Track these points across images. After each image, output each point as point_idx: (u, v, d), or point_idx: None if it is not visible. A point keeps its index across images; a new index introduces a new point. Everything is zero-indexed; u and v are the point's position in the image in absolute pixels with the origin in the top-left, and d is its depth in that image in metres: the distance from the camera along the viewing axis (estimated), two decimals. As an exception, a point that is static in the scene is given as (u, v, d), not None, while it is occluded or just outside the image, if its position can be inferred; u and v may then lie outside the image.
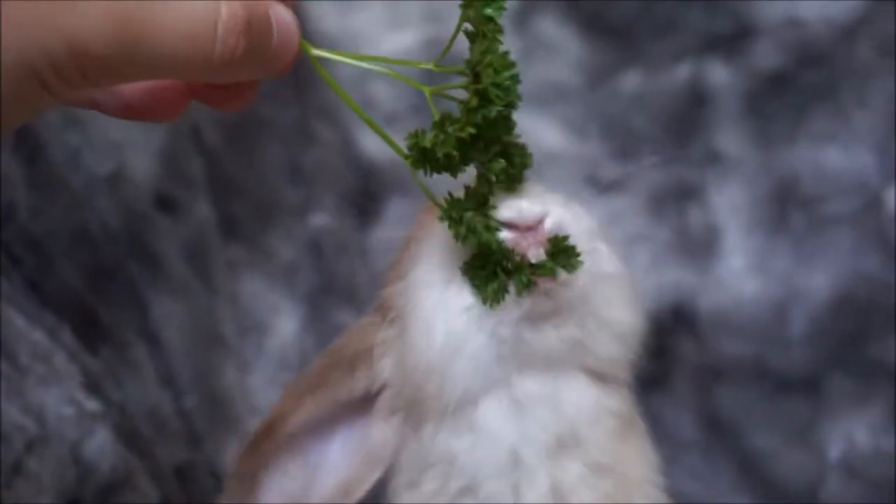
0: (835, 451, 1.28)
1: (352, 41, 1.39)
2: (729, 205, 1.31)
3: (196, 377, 1.20)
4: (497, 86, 0.64)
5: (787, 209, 1.31)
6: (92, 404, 1.05)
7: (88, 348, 1.08)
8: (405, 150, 0.66)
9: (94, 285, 1.12)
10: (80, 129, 1.16)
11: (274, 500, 0.79)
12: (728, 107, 1.37)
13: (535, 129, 1.37)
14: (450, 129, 0.65)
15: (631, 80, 1.40)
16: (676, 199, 1.32)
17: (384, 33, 1.42)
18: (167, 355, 1.17)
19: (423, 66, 0.69)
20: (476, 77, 0.65)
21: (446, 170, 0.66)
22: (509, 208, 0.70)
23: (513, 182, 0.70)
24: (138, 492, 1.10)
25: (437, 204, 0.69)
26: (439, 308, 0.71)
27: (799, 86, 1.36)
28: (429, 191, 0.68)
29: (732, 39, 1.37)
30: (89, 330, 1.09)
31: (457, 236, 0.68)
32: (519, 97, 0.65)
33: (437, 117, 0.66)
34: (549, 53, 1.43)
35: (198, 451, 1.19)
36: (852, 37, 1.35)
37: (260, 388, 1.21)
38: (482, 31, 0.65)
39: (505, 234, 0.69)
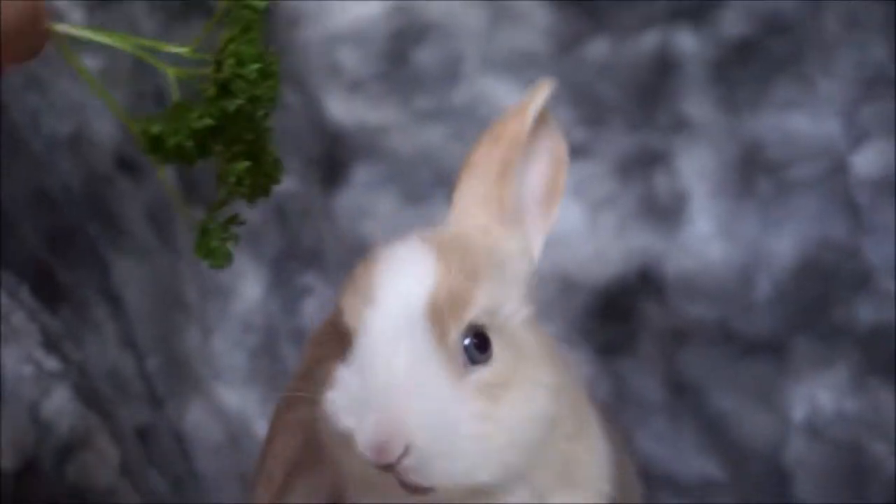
0: (798, 413, 1.28)
1: (318, 7, 1.38)
2: (695, 170, 1.31)
3: (158, 339, 1.19)
4: (240, 77, 0.61)
5: (753, 174, 1.31)
6: (51, 363, 1.04)
7: (48, 308, 1.07)
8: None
9: (55, 246, 1.12)
10: (41, 90, 1.15)
11: None
12: (695, 74, 1.36)
13: (503, 96, 1.37)
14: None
15: (598, 48, 1.40)
16: (643, 164, 1.32)
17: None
18: (128, 317, 1.16)
19: (176, 49, 0.67)
20: (219, 66, 0.62)
21: (181, 161, 0.64)
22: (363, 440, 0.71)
23: (256, 193, 0.68)
24: (98, 452, 1.10)
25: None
26: None
27: (765, 54, 1.36)
28: (170, 187, 0.69)
29: (700, 8, 1.37)
30: (49, 289, 1.08)
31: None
32: (273, 98, 0.63)
33: (175, 100, 0.64)
34: (517, 21, 1.42)
35: (159, 412, 1.19)
36: (818, 7, 1.35)
37: (223, 352, 1.20)
38: (240, 17, 0.62)
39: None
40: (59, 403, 1.03)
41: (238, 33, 0.61)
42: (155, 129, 0.62)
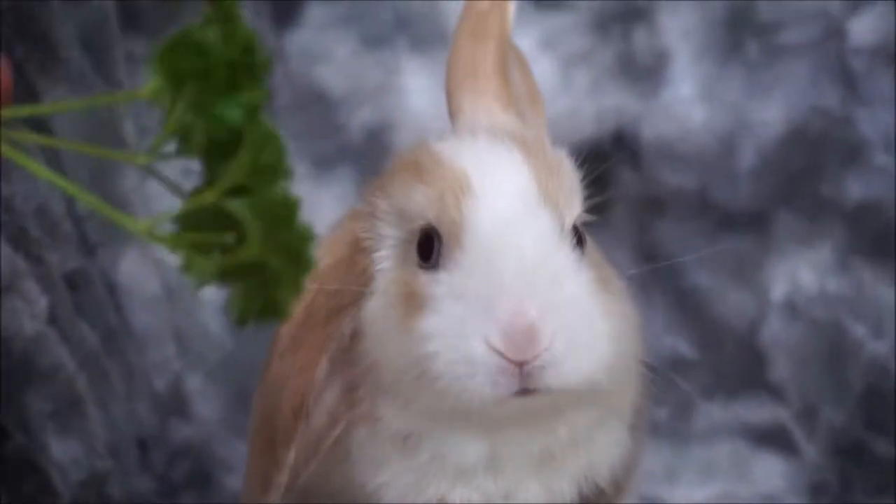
0: (778, 290, 1.20)
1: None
2: (679, 28, 1.22)
3: (91, 178, 1.10)
4: None
5: (741, 36, 1.22)
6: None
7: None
8: None
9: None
10: None
11: None
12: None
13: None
14: None
15: None
16: (623, 19, 1.22)
17: None
18: (60, 151, 1.06)
19: None
20: None
21: None
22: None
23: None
24: (24, 297, 1.01)
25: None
26: None
27: None
28: None
29: None
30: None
31: None
32: None
33: None
34: None
35: (91, 259, 1.09)
36: None
37: (161, 195, 1.10)
38: None
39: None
40: (-15, 244, 0.94)
41: None
42: None
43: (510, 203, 0.67)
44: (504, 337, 0.63)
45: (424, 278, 0.67)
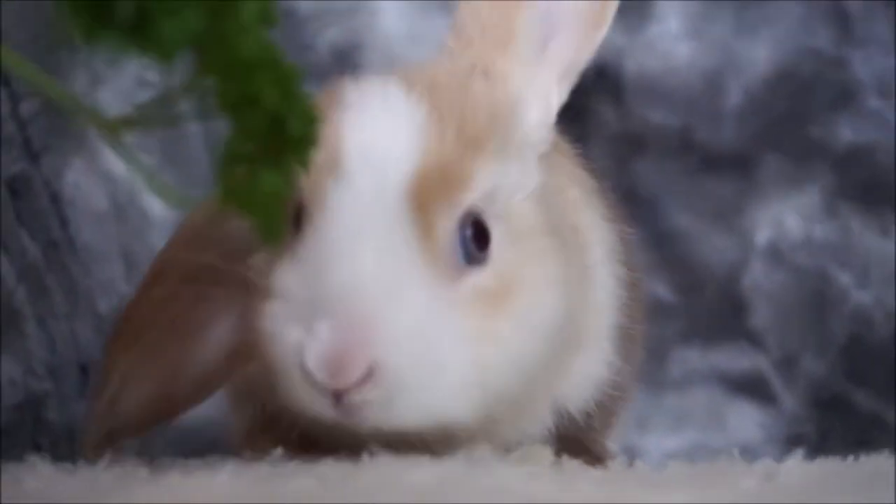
0: (761, 235, 1.14)
1: None
2: (668, -38, 1.16)
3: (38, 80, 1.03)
4: None
5: (731, -29, 1.16)
6: None
7: None
8: None
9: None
10: None
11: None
12: None
13: None
14: None
15: None
16: (609, -52, 1.16)
17: None
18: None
19: None
20: None
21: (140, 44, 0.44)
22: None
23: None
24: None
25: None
26: None
27: None
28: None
29: None
30: None
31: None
32: None
33: None
34: None
35: (34, 166, 1.03)
36: None
37: (112, 104, 1.04)
38: None
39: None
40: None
41: None
42: None
43: (365, 195, 0.57)
44: (316, 359, 0.55)
45: (284, 259, 0.59)
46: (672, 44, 1.16)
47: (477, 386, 0.57)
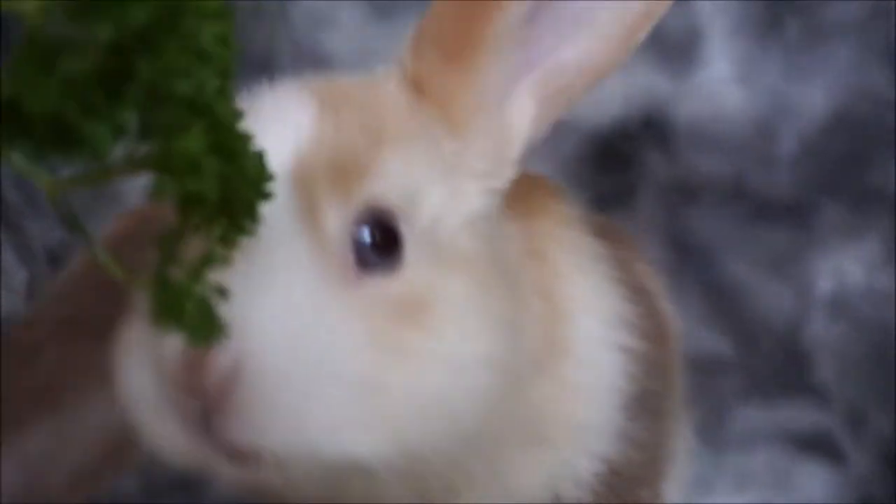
0: (822, 287, 1.09)
1: None
2: (713, 4, 1.13)
3: None
4: None
5: (781, 13, 1.13)
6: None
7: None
8: None
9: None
10: None
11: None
12: None
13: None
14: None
15: None
16: (653, -7, 1.13)
17: None
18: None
19: None
20: None
21: (62, 148, 0.38)
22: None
23: (235, 206, 0.42)
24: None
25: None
26: None
27: None
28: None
29: None
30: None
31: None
32: None
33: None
34: None
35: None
36: None
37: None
38: None
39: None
40: None
41: None
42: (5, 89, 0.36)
43: None
44: (170, 358, 0.45)
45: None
46: (721, 89, 1.12)
47: (380, 409, 0.47)
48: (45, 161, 0.39)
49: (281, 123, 0.51)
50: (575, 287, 0.62)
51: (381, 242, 0.50)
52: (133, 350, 0.48)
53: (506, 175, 0.58)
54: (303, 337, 0.45)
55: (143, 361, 0.47)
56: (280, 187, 0.47)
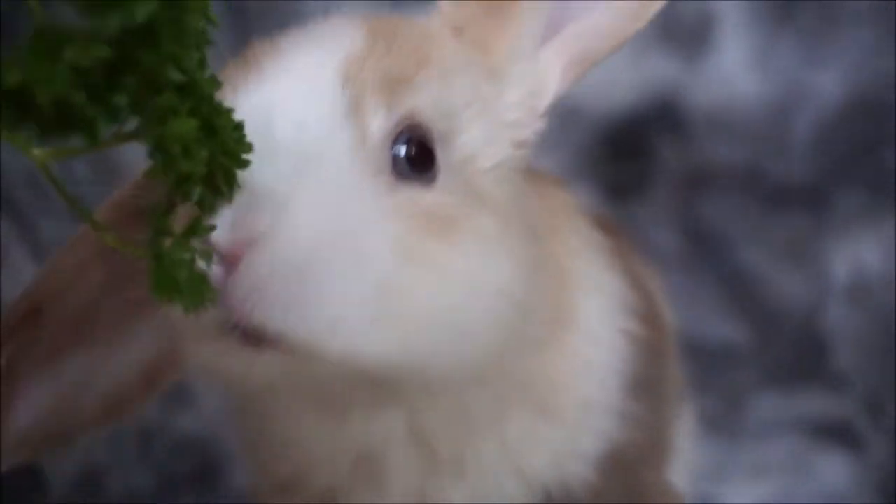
0: (839, 273, 1.09)
1: None
2: (727, -10, 1.12)
3: None
4: None
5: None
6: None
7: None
8: None
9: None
10: None
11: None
12: None
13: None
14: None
15: None
16: (666, -20, 1.13)
17: None
18: None
19: None
20: None
21: (64, 130, 0.40)
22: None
23: (219, 178, 0.45)
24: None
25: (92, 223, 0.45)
26: None
27: None
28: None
29: None
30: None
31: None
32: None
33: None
34: None
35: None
36: None
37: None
38: None
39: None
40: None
41: None
42: (13, 77, 0.39)
43: (295, 80, 0.51)
44: (220, 229, 0.46)
45: None
46: (735, 76, 1.12)
47: (395, 313, 0.48)
48: (44, 141, 0.41)
49: (332, 38, 0.54)
50: (585, 264, 0.64)
51: (417, 158, 0.52)
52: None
53: (534, 127, 0.60)
54: (333, 231, 0.47)
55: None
56: (330, 87, 0.50)
